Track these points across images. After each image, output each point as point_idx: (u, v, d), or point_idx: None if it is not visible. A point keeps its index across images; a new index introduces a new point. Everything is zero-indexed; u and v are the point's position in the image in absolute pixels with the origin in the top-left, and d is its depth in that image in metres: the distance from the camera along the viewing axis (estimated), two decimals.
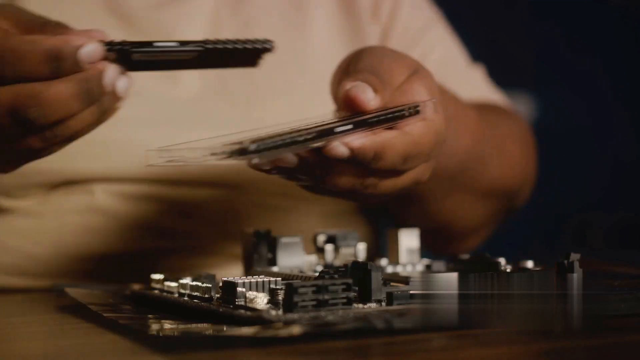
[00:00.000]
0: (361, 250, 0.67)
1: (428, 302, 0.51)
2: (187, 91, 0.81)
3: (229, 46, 0.59)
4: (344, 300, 0.50)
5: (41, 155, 0.58)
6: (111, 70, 0.55)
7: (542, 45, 2.15)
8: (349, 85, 0.58)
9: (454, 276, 0.51)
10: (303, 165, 0.56)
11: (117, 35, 0.58)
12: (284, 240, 0.64)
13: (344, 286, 0.50)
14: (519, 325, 0.50)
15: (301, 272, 0.60)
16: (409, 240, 0.67)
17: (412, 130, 0.58)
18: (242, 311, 0.50)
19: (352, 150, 0.55)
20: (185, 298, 0.56)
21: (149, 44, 0.57)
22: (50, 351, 0.50)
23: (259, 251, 0.64)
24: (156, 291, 0.60)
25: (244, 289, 0.52)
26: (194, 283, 0.56)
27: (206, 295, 0.54)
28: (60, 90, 0.54)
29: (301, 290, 0.49)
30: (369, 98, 0.57)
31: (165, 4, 0.83)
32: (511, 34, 2.13)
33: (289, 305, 0.49)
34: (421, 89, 0.60)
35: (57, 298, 0.65)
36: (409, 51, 0.92)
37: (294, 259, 0.64)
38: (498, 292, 0.51)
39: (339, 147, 0.55)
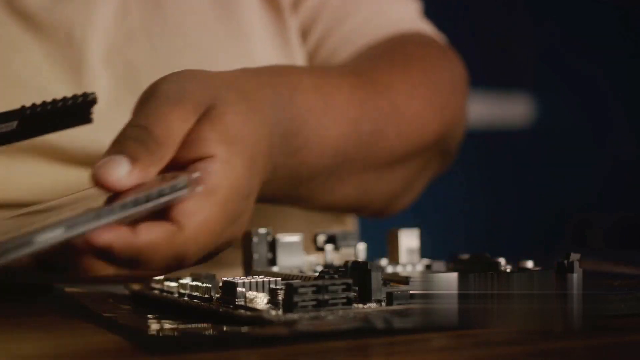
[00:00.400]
0: (361, 250, 0.67)
1: (428, 302, 0.51)
2: None
3: (49, 107, 0.56)
4: (344, 300, 0.50)
5: None
6: None
7: (542, 45, 2.15)
8: (98, 162, 0.48)
9: (453, 276, 0.51)
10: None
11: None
12: (283, 240, 0.64)
13: (344, 286, 0.50)
14: (519, 325, 0.50)
15: (301, 272, 0.60)
16: (409, 240, 0.67)
17: (188, 221, 0.48)
18: (242, 311, 0.50)
19: (93, 245, 0.46)
20: (185, 298, 0.56)
21: None
22: (49, 351, 0.50)
23: (259, 251, 0.64)
24: (156, 291, 0.60)
25: (244, 289, 0.52)
26: (194, 283, 0.56)
27: (206, 295, 0.54)
28: None
29: (301, 290, 0.49)
30: (119, 176, 0.47)
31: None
32: (511, 34, 2.13)
33: (289, 305, 0.49)
34: (212, 136, 0.51)
35: (57, 298, 0.65)
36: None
37: (294, 259, 0.64)
38: (498, 292, 0.51)
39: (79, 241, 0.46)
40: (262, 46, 0.82)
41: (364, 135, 0.71)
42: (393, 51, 0.81)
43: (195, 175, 0.50)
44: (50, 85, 0.75)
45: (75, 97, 0.57)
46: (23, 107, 0.56)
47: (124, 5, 0.78)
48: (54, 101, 0.57)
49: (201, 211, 0.49)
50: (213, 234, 0.50)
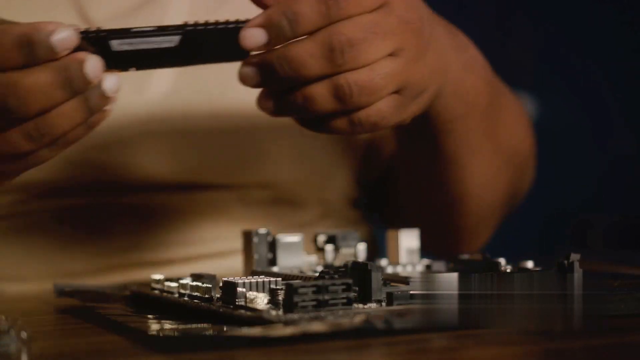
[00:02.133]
0: (361, 250, 0.67)
1: (428, 302, 0.51)
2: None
3: (211, 27, 0.55)
4: (344, 301, 0.50)
5: (30, 161, 0.56)
6: (93, 61, 0.53)
7: (542, 45, 2.15)
8: None
9: (454, 276, 0.51)
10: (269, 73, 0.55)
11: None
12: (284, 240, 0.64)
13: (344, 286, 0.50)
14: (519, 325, 0.50)
15: (301, 272, 0.60)
16: (409, 240, 0.67)
17: None
18: (243, 311, 0.50)
19: (259, 25, 0.54)
20: (186, 298, 0.56)
21: (127, 30, 0.54)
22: (50, 351, 0.50)
23: (259, 251, 0.64)
24: (156, 291, 0.60)
25: (244, 289, 0.52)
26: (194, 283, 0.56)
27: (206, 296, 0.55)
28: (38, 77, 0.52)
29: (301, 290, 0.49)
30: None
31: (133, 11, 0.79)
32: (511, 34, 2.13)
33: (289, 305, 0.49)
34: None
35: (57, 298, 0.65)
36: None
37: (294, 259, 0.64)
38: (498, 292, 0.51)
39: (247, 31, 0.54)
40: None
41: (492, 97, 0.76)
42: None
43: None
44: None
45: (237, 22, 0.56)
46: (185, 23, 0.55)
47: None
48: (216, 22, 0.55)
49: None
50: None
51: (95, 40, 0.54)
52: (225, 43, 0.56)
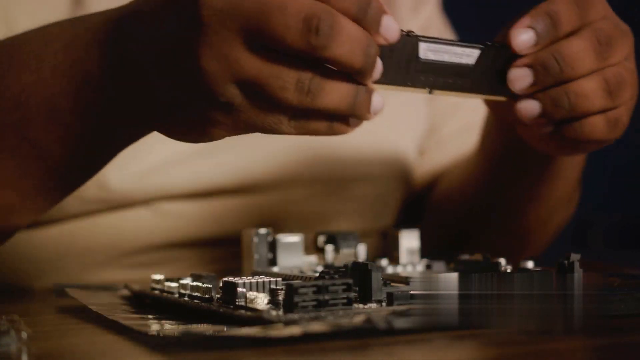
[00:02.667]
0: (361, 251, 0.67)
1: (428, 302, 0.51)
2: None
3: (506, 47, 0.55)
4: (345, 301, 0.50)
5: (266, 122, 0.52)
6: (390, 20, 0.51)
7: None
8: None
9: (454, 276, 0.51)
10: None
11: None
12: (284, 240, 0.64)
13: (344, 286, 0.50)
14: (519, 325, 0.50)
15: (301, 272, 0.60)
16: (409, 240, 0.67)
17: None
18: (243, 311, 0.50)
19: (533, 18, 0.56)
20: (186, 298, 0.56)
21: (435, 37, 0.54)
22: (50, 351, 0.50)
23: (259, 251, 0.64)
24: (156, 291, 0.60)
25: (244, 289, 0.52)
26: (195, 283, 0.56)
27: (206, 296, 0.55)
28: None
29: (301, 290, 0.49)
30: None
31: None
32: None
33: (289, 305, 0.49)
34: None
35: (57, 298, 0.65)
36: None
37: (294, 259, 0.64)
38: (498, 292, 0.51)
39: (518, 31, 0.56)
40: None
41: None
42: None
43: None
44: None
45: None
46: (485, 41, 0.55)
47: None
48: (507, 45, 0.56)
49: None
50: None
51: (405, 40, 0.53)
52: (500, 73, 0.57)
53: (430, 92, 0.54)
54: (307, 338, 0.46)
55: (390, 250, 0.68)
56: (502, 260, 0.61)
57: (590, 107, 0.58)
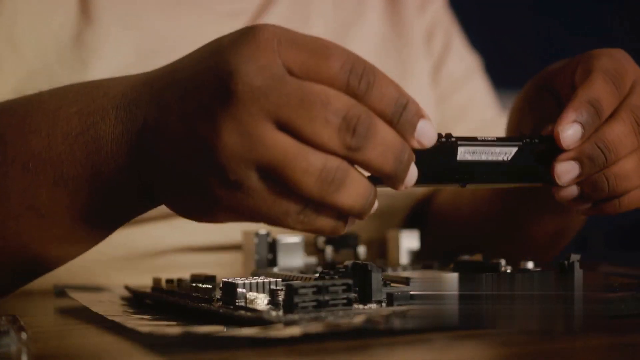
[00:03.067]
0: (361, 252, 0.67)
1: (428, 302, 0.51)
2: None
3: (545, 142, 0.55)
4: (344, 301, 0.50)
5: (250, 206, 0.50)
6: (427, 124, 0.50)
7: (542, 45, 2.15)
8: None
9: (454, 277, 0.51)
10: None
11: None
12: (284, 241, 0.64)
13: (344, 287, 0.50)
14: (520, 325, 0.50)
15: (301, 272, 0.60)
16: (409, 241, 0.67)
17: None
18: (243, 312, 0.50)
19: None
20: (186, 299, 0.56)
21: (474, 138, 0.53)
22: (50, 352, 0.50)
23: (259, 252, 0.64)
24: (157, 292, 0.60)
25: (244, 290, 0.52)
26: (194, 284, 0.56)
27: (206, 296, 0.54)
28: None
29: (301, 291, 0.49)
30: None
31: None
32: (511, 33, 2.13)
33: (289, 306, 0.49)
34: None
35: (57, 298, 0.65)
36: (451, 96, 0.94)
37: (294, 259, 0.64)
38: (498, 292, 0.51)
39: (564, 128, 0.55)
40: None
41: None
42: None
43: None
44: None
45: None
46: (523, 135, 0.55)
47: None
48: (547, 137, 0.55)
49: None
50: None
51: (443, 146, 0.52)
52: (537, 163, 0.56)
53: (463, 187, 0.54)
54: (307, 338, 0.46)
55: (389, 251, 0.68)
56: (502, 261, 0.61)
57: (630, 186, 0.58)
